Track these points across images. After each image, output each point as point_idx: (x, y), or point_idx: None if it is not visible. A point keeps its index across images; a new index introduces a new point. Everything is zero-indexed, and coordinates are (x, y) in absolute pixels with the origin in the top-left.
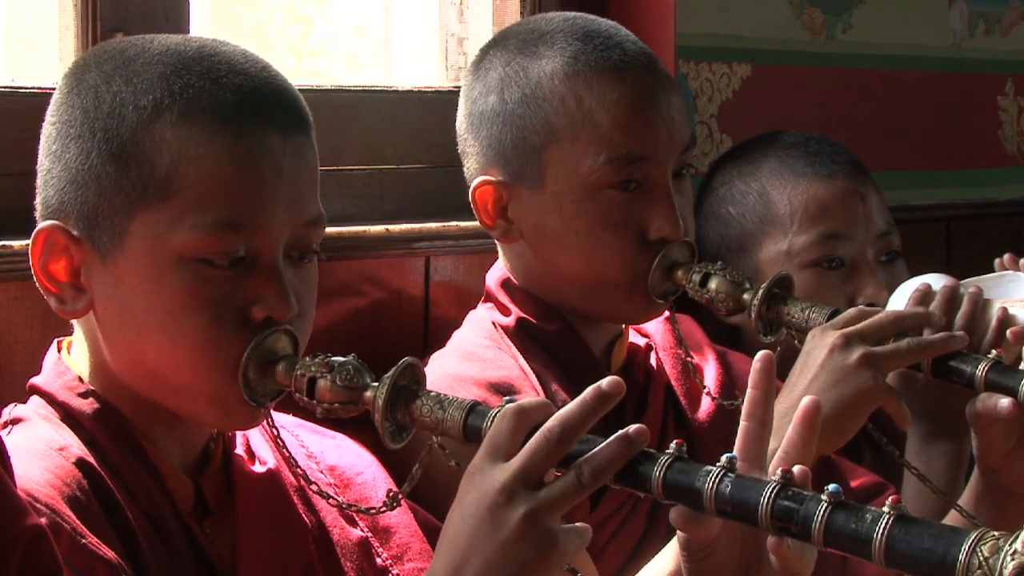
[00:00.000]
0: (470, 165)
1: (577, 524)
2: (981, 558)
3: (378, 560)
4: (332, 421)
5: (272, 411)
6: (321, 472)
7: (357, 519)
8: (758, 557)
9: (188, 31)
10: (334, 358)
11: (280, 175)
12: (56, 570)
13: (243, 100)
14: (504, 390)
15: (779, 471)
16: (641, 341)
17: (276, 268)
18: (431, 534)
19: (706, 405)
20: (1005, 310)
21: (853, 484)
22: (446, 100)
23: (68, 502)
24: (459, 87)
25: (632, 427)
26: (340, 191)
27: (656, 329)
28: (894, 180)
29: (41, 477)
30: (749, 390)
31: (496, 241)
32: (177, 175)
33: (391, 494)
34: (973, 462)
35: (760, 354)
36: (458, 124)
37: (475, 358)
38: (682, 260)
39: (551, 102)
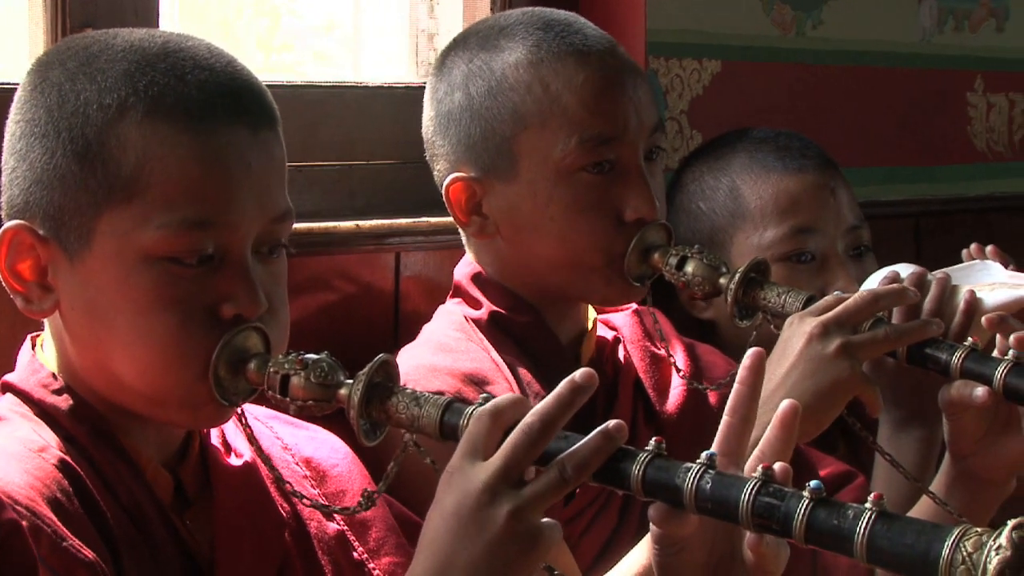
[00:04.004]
0: (440, 167)
1: (547, 519)
2: (964, 554)
3: (355, 554)
4: (305, 417)
5: (246, 404)
6: (296, 464)
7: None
8: (730, 554)
9: (157, 26)
10: (307, 355)
11: (248, 172)
12: (31, 566)
13: (209, 96)
14: (477, 381)
15: (760, 468)
16: (609, 334)
17: (245, 265)
18: (407, 528)
19: (674, 397)
20: (973, 294)
21: (822, 473)
22: (416, 96)
23: (48, 504)
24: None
25: (611, 422)
26: (310, 187)
27: (624, 322)
28: (864, 176)
29: (21, 479)
30: (736, 385)
31: (467, 237)
32: (143, 174)
33: (366, 494)
34: (944, 449)
35: (751, 351)
36: (424, 128)
37: (448, 349)
38: (659, 243)
39: (517, 91)
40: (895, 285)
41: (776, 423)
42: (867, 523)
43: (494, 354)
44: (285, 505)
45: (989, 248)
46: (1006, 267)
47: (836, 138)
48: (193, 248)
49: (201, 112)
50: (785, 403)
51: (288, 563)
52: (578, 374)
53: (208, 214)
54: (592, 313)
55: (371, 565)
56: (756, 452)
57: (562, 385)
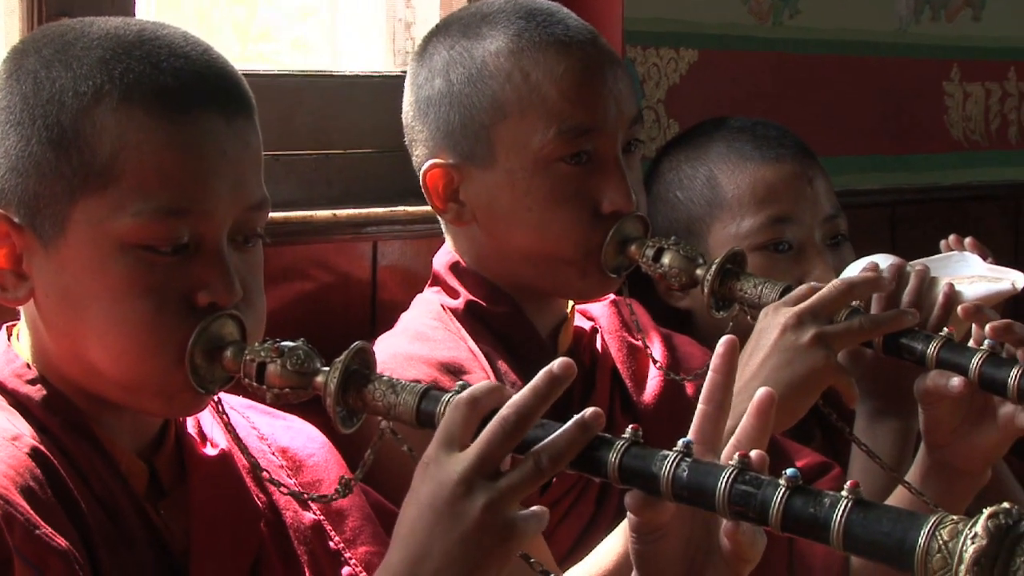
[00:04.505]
0: (419, 152)
1: (534, 508)
2: (940, 542)
3: (331, 543)
4: (283, 405)
5: (222, 393)
6: (273, 454)
7: (310, 502)
8: (707, 542)
9: (134, 14)
10: (284, 343)
11: (223, 159)
12: (4, 554)
13: (184, 84)
14: (454, 370)
15: (736, 455)
16: (586, 324)
17: (220, 253)
18: (383, 517)
19: (652, 387)
20: (952, 286)
21: (799, 464)
22: (393, 85)
23: (22, 493)
24: (406, 72)
25: (588, 411)
26: (287, 176)
27: (601, 312)
28: (840, 165)
29: None
30: (710, 373)
31: (446, 225)
32: (118, 161)
33: (343, 481)
34: (920, 439)
35: (724, 339)
36: (404, 113)
37: (425, 338)
38: (635, 235)
39: (497, 79)
40: (870, 274)
41: (752, 411)
42: (843, 511)
43: (471, 343)
44: (261, 495)
45: (968, 240)
46: (984, 259)
47: (813, 127)
48: (168, 236)
49: (177, 100)
50: (761, 391)
51: (264, 553)
52: (556, 364)
53: (183, 202)
54: (569, 303)
55: (347, 554)
56: (732, 440)
57: (539, 376)
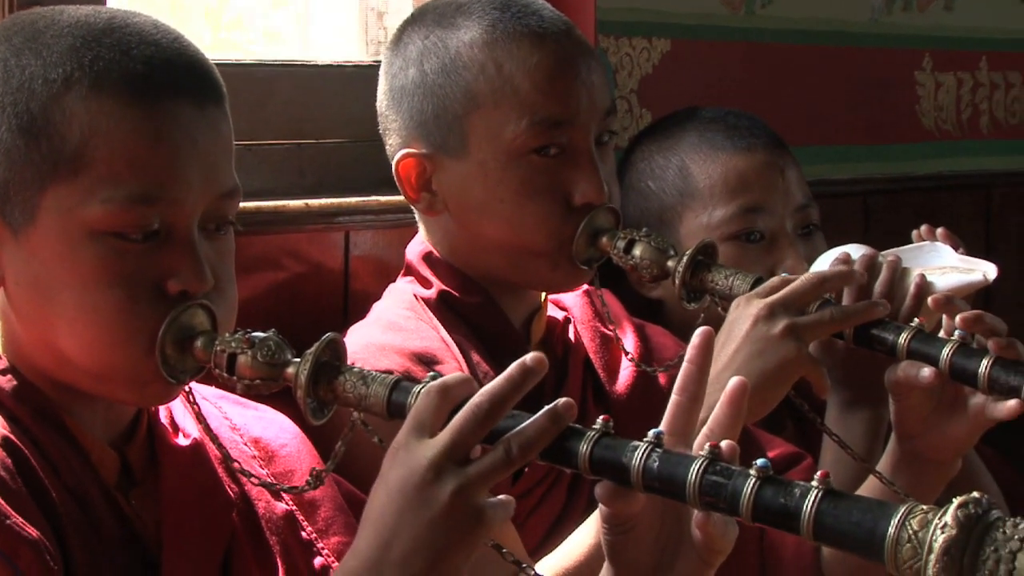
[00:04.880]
0: (392, 141)
1: (501, 497)
2: (910, 532)
3: (303, 534)
4: (253, 395)
5: (194, 383)
6: (245, 445)
7: (282, 492)
8: (678, 532)
9: (105, 2)
10: (255, 334)
11: (194, 147)
12: None
13: (155, 71)
14: (426, 360)
15: (707, 446)
16: (559, 315)
17: (191, 241)
18: (355, 507)
19: (624, 378)
20: (923, 277)
21: (771, 455)
22: (366, 74)
23: None
24: (379, 61)
25: (560, 401)
26: (259, 166)
27: (574, 302)
28: (812, 155)
29: None
30: (685, 364)
31: (419, 215)
32: (88, 149)
33: (314, 472)
34: (890, 429)
35: (700, 330)
36: (378, 102)
37: (397, 328)
38: (607, 226)
39: (471, 70)
40: (842, 267)
41: (725, 400)
42: (814, 501)
43: (444, 333)
44: (233, 486)
45: (940, 230)
46: (956, 250)
47: (785, 117)
48: (138, 223)
49: (147, 87)
50: (734, 380)
51: (235, 543)
52: (529, 357)
53: (153, 189)
54: (543, 293)
55: (320, 544)
56: (704, 430)
57: (513, 367)
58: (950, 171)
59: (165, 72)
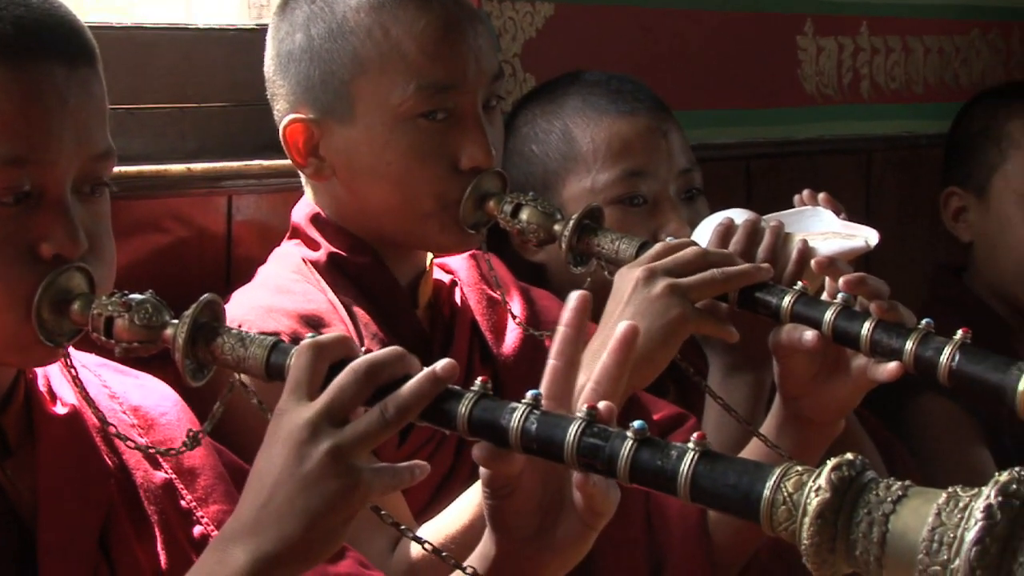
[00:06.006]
0: (280, 106)
1: (402, 464)
2: (785, 494)
3: (182, 503)
4: (134, 359)
5: (73, 350)
6: (124, 413)
7: (161, 461)
8: (560, 496)
9: None
10: (132, 296)
11: (65, 108)
12: None
13: (24, 32)
14: (314, 323)
15: (584, 407)
16: (446, 278)
17: (64, 204)
18: (236, 476)
19: (511, 340)
20: (805, 242)
21: (655, 417)
22: (248, 38)
23: None
24: (261, 25)
25: (439, 363)
26: (140, 130)
27: (461, 265)
28: (695, 119)
29: None
30: (561, 328)
31: (306, 179)
32: None
33: (191, 434)
34: (774, 392)
35: (575, 293)
36: (266, 67)
37: (285, 291)
38: (494, 190)
39: (358, 34)
40: (725, 250)
41: (614, 346)
42: (690, 463)
43: (331, 295)
44: (111, 455)
45: (821, 195)
46: (838, 215)
47: (668, 81)
48: (9, 186)
49: (16, 48)
50: (623, 324)
51: (114, 513)
52: (439, 365)
53: (24, 151)
54: (429, 256)
55: (199, 513)
56: (591, 383)
57: (424, 373)
58: (831, 135)
59: (35, 33)
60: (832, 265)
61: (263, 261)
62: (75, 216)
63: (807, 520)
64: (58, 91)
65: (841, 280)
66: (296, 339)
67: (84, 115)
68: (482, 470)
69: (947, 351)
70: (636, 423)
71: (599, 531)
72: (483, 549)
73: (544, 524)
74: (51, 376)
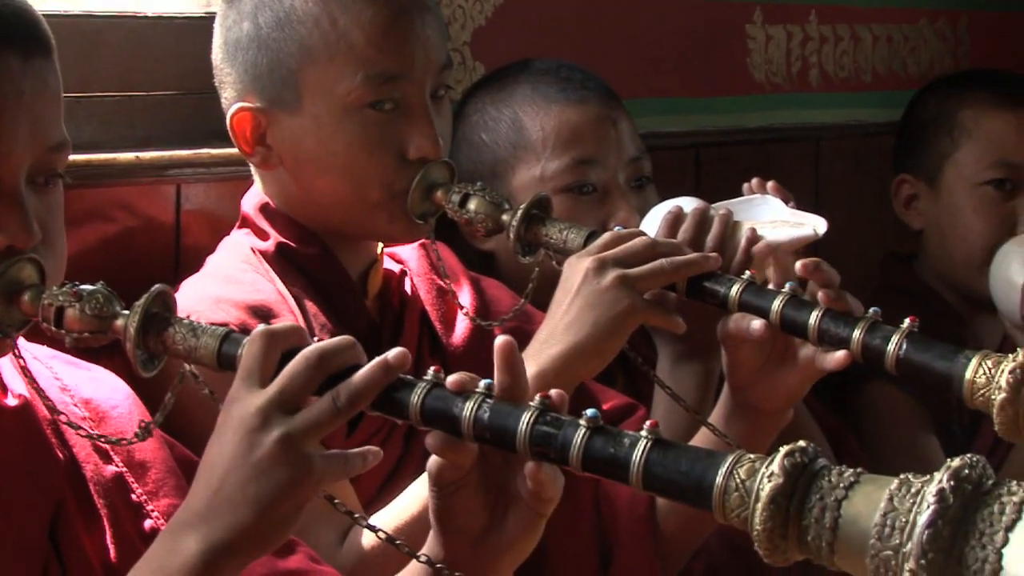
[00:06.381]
0: (227, 94)
1: (353, 451)
2: (738, 481)
3: (133, 496)
4: (85, 350)
5: (24, 341)
6: (75, 405)
7: (112, 454)
8: (507, 488)
9: None
10: (82, 287)
11: (20, 100)
12: None
13: None
14: (262, 313)
15: (538, 396)
16: (396, 267)
17: (17, 195)
18: (188, 470)
19: (461, 330)
20: (754, 231)
21: (605, 407)
22: (197, 26)
23: None
24: (210, 14)
25: (392, 352)
26: (88, 118)
27: (411, 255)
28: (644, 107)
29: None
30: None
31: (255, 168)
32: None
33: (142, 424)
34: (722, 381)
35: (499, 342)
36: (213, 55)
37: (233, 281)
38: (441, 180)
39: (305, 24)
40: (674, 240)
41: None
42: (643, 451)
43: (280, 285)
44: (62, 447)
45: (770, 184)
46: (787, 203)
47: (617, 69)
48: None
49: None
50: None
51: (63, 507)
52: (391, 354)
53: None
54: (379, 245)
55: (150, 507)
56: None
57: (376, 361)
58: (780, 124)
59: None
60: (774, 252)
61: (212, 250)
62: (29, 207)
63: (759, 506)
64: (13, 82)
65: (798, 264)
66: (245, 330)
67: (39, 106)
68: (430, 467)
69: (894, 339)
70: (589, 411)
71: (547, 518)
72: (430, 550)
73: (492, 522)
74: (2, 368)
